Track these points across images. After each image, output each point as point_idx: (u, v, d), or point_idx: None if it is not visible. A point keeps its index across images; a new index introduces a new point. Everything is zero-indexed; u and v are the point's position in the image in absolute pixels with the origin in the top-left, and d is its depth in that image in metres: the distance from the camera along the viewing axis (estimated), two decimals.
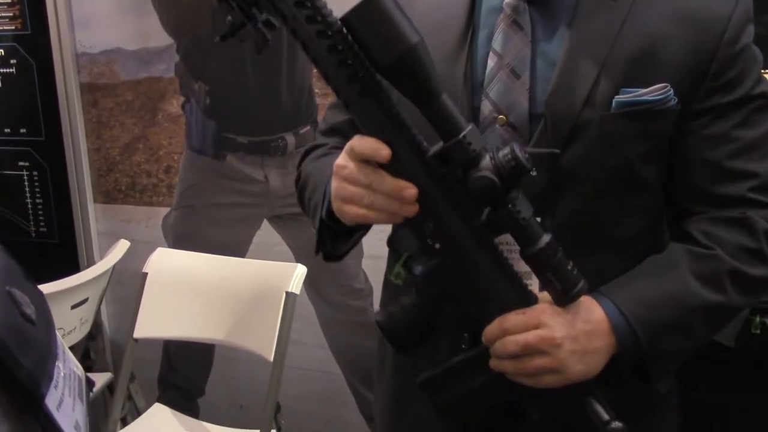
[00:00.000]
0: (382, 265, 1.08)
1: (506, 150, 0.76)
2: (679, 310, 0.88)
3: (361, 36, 0.72)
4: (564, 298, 0.83)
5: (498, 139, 0.92)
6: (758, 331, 1.73)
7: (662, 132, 0.91)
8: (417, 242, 0.82)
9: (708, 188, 0.92)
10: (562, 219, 0.91)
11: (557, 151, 0.89)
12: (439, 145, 0.78)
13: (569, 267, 0.81)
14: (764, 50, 0.97)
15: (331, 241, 0.97)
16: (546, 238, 0.80)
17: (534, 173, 0.87)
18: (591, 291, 0.87)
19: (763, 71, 0.95)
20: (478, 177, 0.76)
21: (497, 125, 0.92)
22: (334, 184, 0.83)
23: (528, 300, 0.84)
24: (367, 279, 2.14)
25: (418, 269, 0.83)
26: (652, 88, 0.88)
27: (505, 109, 0.92)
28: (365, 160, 0.79)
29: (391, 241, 0.86)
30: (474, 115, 0.93)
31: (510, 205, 0.78)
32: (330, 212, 0.89)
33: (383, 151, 0.77)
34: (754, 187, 0.91)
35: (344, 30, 0.73)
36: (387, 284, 1.08)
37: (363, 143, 0.78)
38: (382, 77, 0.76)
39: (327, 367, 2.24)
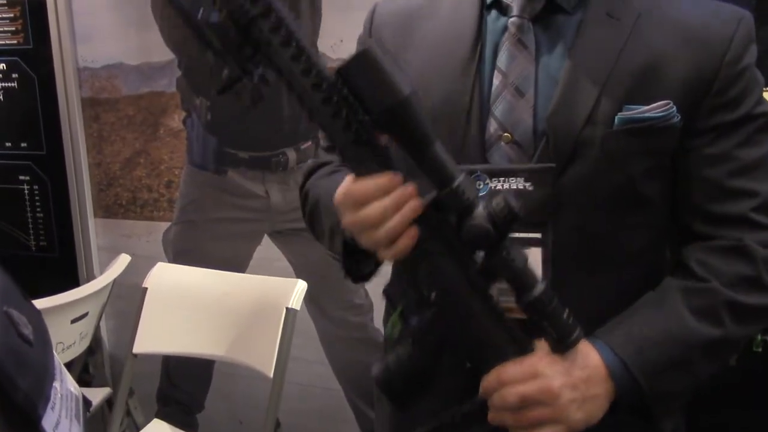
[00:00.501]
0: (382, 280, 1.07)
1: (499, 198, 0.76)
2: (677, 348, 0.87)
3: (355, 87, 0.74)
4: (560, 347, 0.82)
5: (503, 157, 0.92)
6: (760, 350, 1.72)
7: (665, 149, 0.91)
8: (413, 293, 0.82)
9: (708, 206, 0.92)
10: (562, 235, 0.91)
11: (553, 165, 0.89)
12: (433, 194, 0.78)
13: (565, 315, 0.80)
14: (764, 66, 0.98)
15: (354, 261, 0.96)
16: (541, 286, 0.78)
17: (531, 188, 0.89)
18: (587, 334, 0.86)
19: (765, 89, 0.95)
20: (473, 225, 0.76)
21: (502, 143, 0.93)
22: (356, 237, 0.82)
23: (525, 348, 0.83)
24: (367, 294, 2.13)
25: (414, 320, 0.82)
26: (654, 105, 0.88)
27: (510, 127, 0.92)
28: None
29: (387, 293, 0.86)
30: (481, 132, 0.94)
31: (504, 253, 0.77)
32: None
33: (384, 183, 0.77)
34: (755, 207, 0.91)
35: (338, 82, 0.74)
36: (384, 338, 1.08)
37: (360, 187, 0.78)
38: (375, 127, 0.76)
39: (327, 384, 2.23)
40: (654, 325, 0.88)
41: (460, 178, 0.77)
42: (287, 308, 1.81)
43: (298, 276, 2.04)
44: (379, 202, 0.77)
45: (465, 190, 0.77)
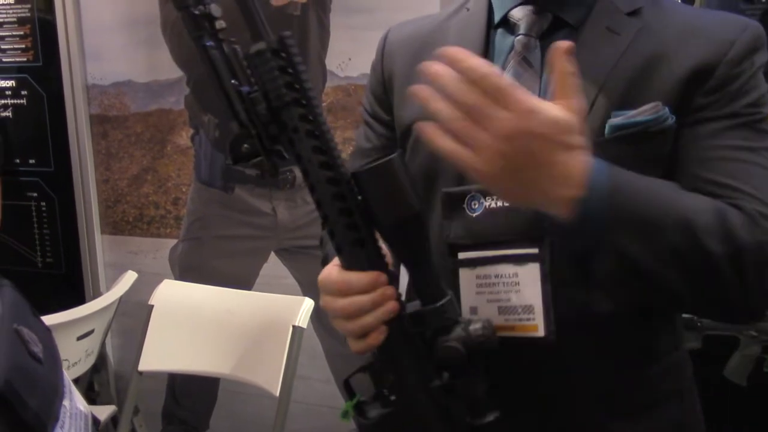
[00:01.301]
0: None
1: (478, 324, 0.79)
2: (659, 209, 0.78)
3: (368, 193, 0.76)
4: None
5: None
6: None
7: (660, 154, 0.88)
8: (373, 389, 0.83)
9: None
10: (560, 249, 0.88)
11: None
12: (417, 305, 0.80)
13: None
14: None
15: None
16: (490, 417, 0.80)
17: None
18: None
19: None
20: (447, 346, 0.78)
21: None
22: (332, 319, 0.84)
23: None
24: None
25: (369, 413, 0.83)
26: (643, 108, 0.86)
27: None
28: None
29: (348, 382, 0.86)
30: None
31: (470, 376, 0.79)
32: None
33: (379, 279, 0.79)
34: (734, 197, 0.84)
35: (353, 182, 0.76)
36: None
37: (352, 279, 0.79)
38: (378, 234, 0.78)
39: (333, 402, 2.21)
40: (652, 185, 0.80)
41: (446, 299, 0.79)
42: (294, 326, 1.80)
43: (305, 294, 2.04)
44: (358, 298, 0.79)
45: (447, 310, 0.79)
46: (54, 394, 0.65)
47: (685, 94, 0.87)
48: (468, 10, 1.02)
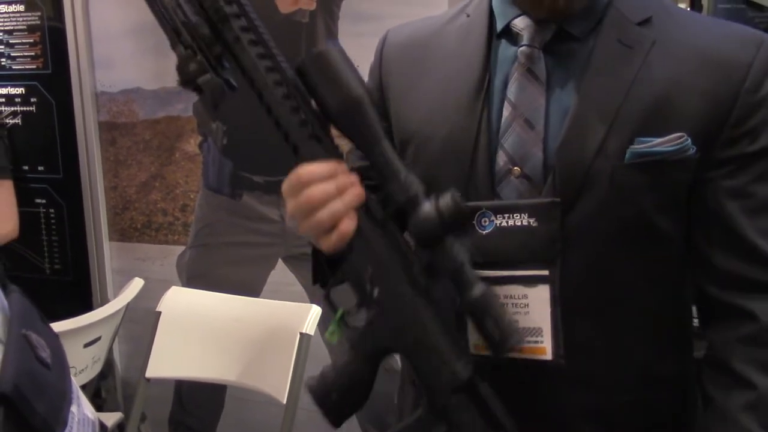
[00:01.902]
0: None
1: (446, 196, 0.79)
2: None
3: (313, 84, 0.79)
4: (500, 349, 0.80)
5: (514, 191, 0.89)
6: None
7: (679, 182, 0.87)
8: (356, 292, 0.83)
9: (721, 259, 0.88)
10: (571, 272, 0.87)
11: (557, 200, 0.86)
12: (380, 195, 0.81)
13: (506, 318, 0.80)
14: None
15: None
16: (482, 286, 0.79)
17: (536, 224, 0.87)
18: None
19: None
20: (422, 217, 0.79)
21: (512, 177, 0.90)
22: (299, 227, 0.83)
23: (464, 353, 0.83)
24: None
25: (356, 322, 0.83)
26: (667, 138, 0.85)
27: (519, 160, 0.89)
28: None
29: (328, 296, 0.85)
30: (490, 165, 0.91)
31: (448, 249, 0.79)
32: None
33: (339, 167, 0.80)
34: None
35: (298, 79, 0.80)
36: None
37: (307, 169, 0.80)
38: (329, 122, 0.81)
39: None
40: None
41: (406, 173, 0.80)
42: (301, 333, 1.80)
43: (312, 301, 2.03)
44: (323, 184, 0.79)
45: (412, 184, 0.80)
46: (62, 399, 0.65)
47: (710, 129, 0.86)
48: (468, 16, 0.99)
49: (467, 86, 0.93)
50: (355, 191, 0.81)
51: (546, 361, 0.87)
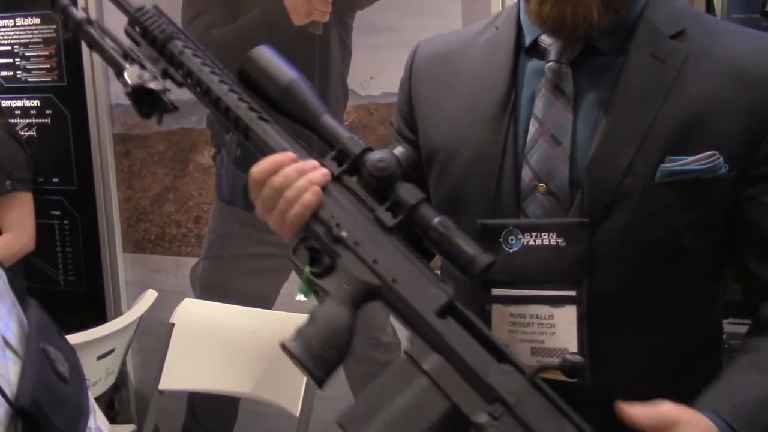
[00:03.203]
0: None
1: (401, 146, 0.84)
2: None
3: (252, 81, 0.86)
4: (474, 268, 0.78)
5: (539, 208, 0.89)
6: None
7: (711, 202, 0.86)
8: (323, 245, 0.82)
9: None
10: (600, 292, 0.86)
11: (585, 220, 0.86)
12: (330, 153, 0.85)
13: (471, 241, 0.79)
14: None
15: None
16: (438, 217, 0.80)
17: (563, 244, 0.86)
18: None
19: None
20: (376, 156, 0.82)
21: (538, 193, 0.89)
22: (269, 224, 0.85)
23: (441, 279, 0.81)
24: (395, 332, 2.11)
25: (325, 274, 0.82)
26: (699, 156, 0.84)
27: (545, 176, 0.88)
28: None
29: (293, 255, 0.84)
30: (516, 181, 0.90)
31: (404, 189, 0.81)
32: None
33: (286, 156, 0.82)
34: None
35: (240, 79, 0.87)
36: None
37: (261, 164, 0.83)
38: (272, 109, 0.86)
39: None
40: (763, 387, 0.81)
41: (350, 134, 0.84)
42: None
43: None
44: (286, 168, 0.82)
45: (357, 140, 0.84)
46: (79, 413, 0.65)
47: (746, 145, 0.84)
48: (497, 28, 0.98)
49: (494, 102, 0.93)
50: (319, 170, 0.83)
51: (572, 383, 0.84)
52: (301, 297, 0.84)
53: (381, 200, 0.82)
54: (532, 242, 0.88)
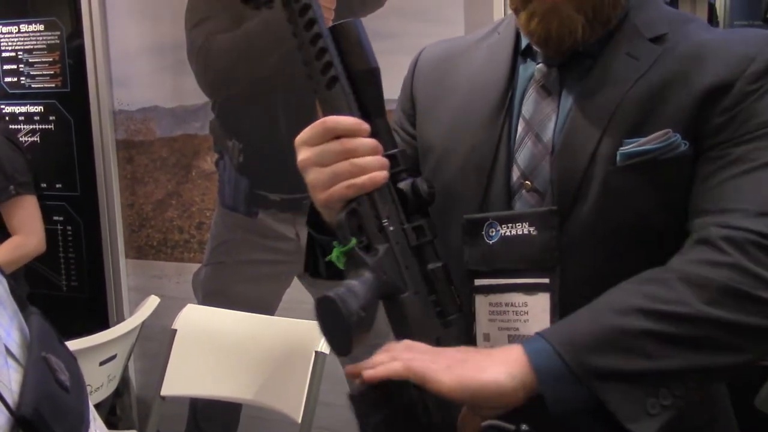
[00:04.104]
0: None
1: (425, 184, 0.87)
2: (610, 316, 0.75)
3: (342, 43, 0.83)
4: (443, 319, 0.84)
5: (525, 205, 0.91)
6: None
7: (675, 181, 0.85)
8: (371, 219, 0.83)
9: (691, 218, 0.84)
10: (572, 279, 0.87)
11: (554, 208, 0.87)
12: (395, 150, 0.86)
13: (454, 295, 0.85)
14: None
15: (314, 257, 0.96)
16: (439, 263, 0.85)
17: (535, 233, 0.88)
18: None
19: None
20: (427, 183, 0.85)
21: (524, 191, 0.91)
22: (309, 177, 0.83)
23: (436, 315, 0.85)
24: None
25: (370, 254, 0.81)
26: (652, 136, 0.83)
27: (530, 174, 0.91)
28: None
29: (348, 221, 0.82)
30: (506, 179, 0.93)
31: (431, 222, 0.86)
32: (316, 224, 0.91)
33: (364, 125, 0.81)
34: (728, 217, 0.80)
35: (330, 34, 0.83)
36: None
37: (345, 118, 0.81)
38: (348, 80, 0.83)
39: (354, 429, 2.19)
40: (591, 305, 0.78)
41: (397, 149, 0.86)
42: (316, 352, 1.79)
43: None
44: (364, 140, 0.81)
45: (404, 155, 0.86)
46: (80, 422, 0.65)
47: (701, 117, 0.83)
48: (499, 34, 1.01)
49: (490, 103, 0.95)
50: (383, 159, 0.83)
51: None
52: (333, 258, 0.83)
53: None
54: (509, 233, 0.90)
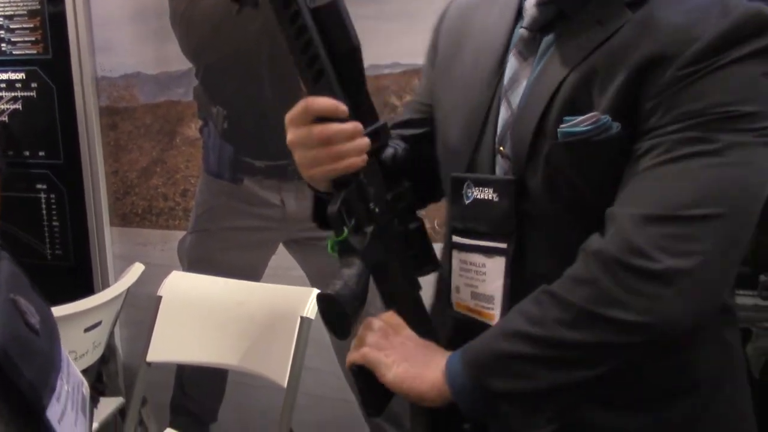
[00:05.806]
0: None
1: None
2: (500, 340, 0.83)
3: (324, 26, 0.84)
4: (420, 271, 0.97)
5: (500, 170, 0.92)
6: None
7: (609, 162, 0.82)
8: (360, 210, 0.89)
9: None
10: (529, 249, 0.89)
11: (512, 177, 0.89)
12: (377, 124, 0.89)
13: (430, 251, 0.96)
14: None
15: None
16: (418, 222, 0.96)
17: (496, 199, 0.90)
18: None
19: None
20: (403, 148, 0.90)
21: (500, 156, 0.92)
22: (296, 155, 0.87)
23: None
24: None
25: (359, 238, 0.89)
26: (582, 117, 0.81)
27: (501, 140, 0.92)
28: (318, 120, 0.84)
29: (340, 210, 0.88)
30: (493, 144, 0.94)
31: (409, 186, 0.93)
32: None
33: (342, 107, 0.83)
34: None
35: (313, 19, 0.84)
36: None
37: (321, 101, 0.83)
38: (332, 63, 0.84)
39: (341, 394, 2.20)
40: (498, 323, 0.89)
41: (383, 121, 0.89)
42: (302, 317, 1.79)
43: (313, 285, 2.03)
44: (337, 125, 0.84)
45: (388, 128, 0.90)
46: (50, 366, 0.64)
47: (632, 96, 0.80)
48: None
49: (490, 65, 0.95)
50: (365, 141, 0.87)
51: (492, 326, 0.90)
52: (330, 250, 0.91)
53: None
54: (479, 196, 0.93)
